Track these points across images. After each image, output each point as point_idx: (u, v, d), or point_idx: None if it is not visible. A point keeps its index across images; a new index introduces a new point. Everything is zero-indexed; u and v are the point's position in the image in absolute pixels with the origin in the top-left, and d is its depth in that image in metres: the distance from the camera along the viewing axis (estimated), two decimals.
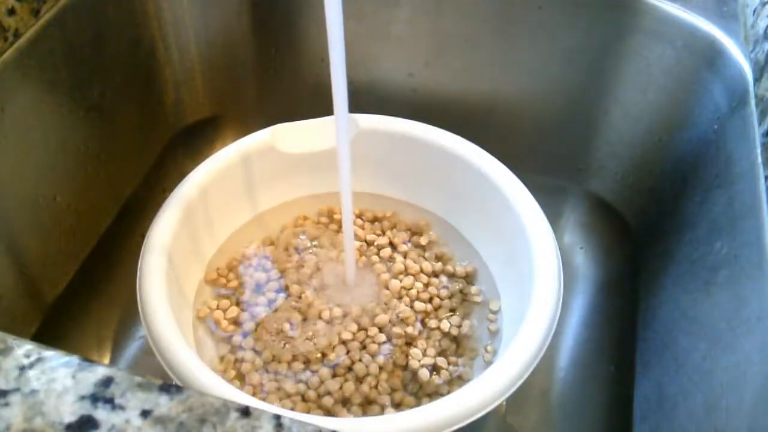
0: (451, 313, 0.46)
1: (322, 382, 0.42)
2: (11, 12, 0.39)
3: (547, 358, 0.38)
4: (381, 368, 0.42)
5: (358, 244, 0.49)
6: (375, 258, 0.48)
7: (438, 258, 0.49)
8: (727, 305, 0.35)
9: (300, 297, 0.45)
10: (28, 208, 0.43)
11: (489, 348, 0.44)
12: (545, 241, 0.41)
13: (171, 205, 0.43)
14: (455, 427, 0.34)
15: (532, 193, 0.44)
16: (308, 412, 0.40)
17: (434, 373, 0.43)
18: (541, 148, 0.56)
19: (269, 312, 0.45)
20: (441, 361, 0.43)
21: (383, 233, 0.50)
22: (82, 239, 0.49)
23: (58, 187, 0.46)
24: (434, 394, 0.42)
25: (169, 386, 0.22)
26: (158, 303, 0.38)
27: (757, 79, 0.40)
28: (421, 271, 0.48)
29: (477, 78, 0.54)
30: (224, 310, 0.45)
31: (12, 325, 0.43)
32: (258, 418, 0.21)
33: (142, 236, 0.41)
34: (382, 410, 0.41)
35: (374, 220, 0.51)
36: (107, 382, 0.22)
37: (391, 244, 0.49)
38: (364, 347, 0.43)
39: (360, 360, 0.43)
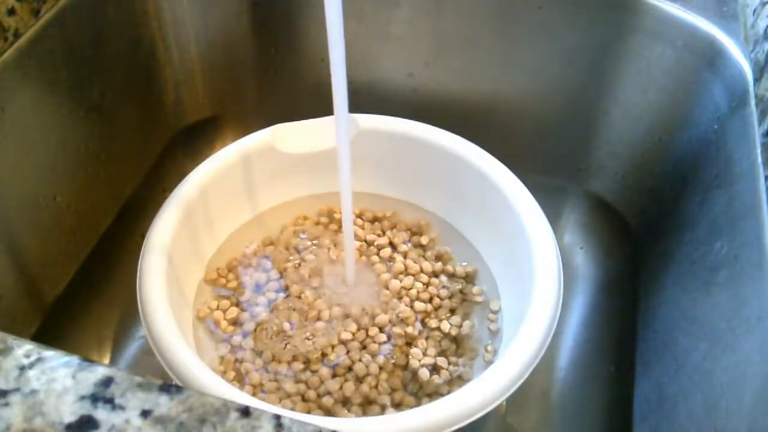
0: (451, 313, 0.46)
1: (322, 382, 0.42)
2: (11, 12, 0.39)
3: (547, 358, 0.38)
4: (381, 368, 0.42)
5: (358, 244, 0.49)
6: (375, 258, 0.48)
7: (438, 258, 0.49)
8: (727, 305, 0.35)
9: (300, 297, 0.45)
10: (28, 208, 0.43)
11: (489, 348, 0.44)
12: (545, 241, 0.41)
13: (171, 205, 0.43)
14: (455, 427, 0.34)
15: (532, 193, 0.44)
16: (308, 412, 0.40)
17: (434, 373, 0.43)
18: (541, 148, 0.56)
19: (269, 312, 0.45)
20: (441, 361, 0.43)
21: (383, 233, 0.50)
22: (82, 239, 0.49)
23: (58, 187, 0.46)
24: (434, 394, 0.42)
25: (169, 386, 0.22)
26: (158, 303, 0.38)
27: (757, 79, 0.40)
28: (421, 271, 0.48)
29: (477, 78, 0.54)
30: (224, 311, 0.45)
31: (12, 325, 0.43)
32: (258, 418, 0.21)
33: (142, 236, 0.41)
34: (382, 410, 0.41)
35: (374, 220, 0.51)
36: (107, 382, 0.22)
37: (391, 244, 0.49)
38: (364, 347, 0.43)
39: (360, 360, 0.43)
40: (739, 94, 0.41)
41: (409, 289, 0.46)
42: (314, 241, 0.49)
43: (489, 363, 0.43)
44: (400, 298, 0.46)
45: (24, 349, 0.23)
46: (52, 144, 0.44)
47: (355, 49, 0.49)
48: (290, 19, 0.55)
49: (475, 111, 0.55)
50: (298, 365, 0.42)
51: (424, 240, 0.49)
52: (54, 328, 0.46)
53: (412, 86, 0.55)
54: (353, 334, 0.44)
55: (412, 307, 0.45)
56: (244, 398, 0.34)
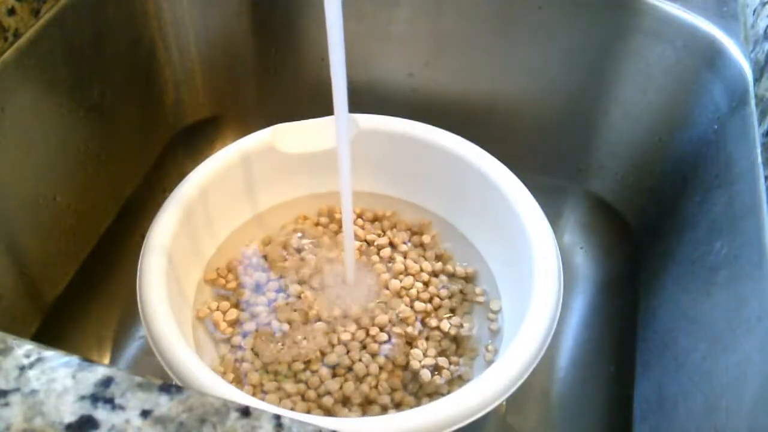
0: (452, 313, 0.46)
1: (322, 382, 0.42)
2: (11, 12, 0.39)
3: (547, 358, 0.38)
4: (381, 368, 0.42)
5: (358, 243, 0.49)
6: (375, 258, 0.48)
7: (438, 258, 0.49)
8: (727, 305, 0.35)
9: (300, 297, 0.45)
10: (28, 208, 0.43)
11: (489, 348, 0.44)
12: (545, 241, 0.41)
13: (171, 205, 0.43)
14: (455, 427, 0.34)
15: (532, 193, 0.44)
16: (308, 412, 0.40)
17: (435, 373, 0.43)
18: (541, 148, 0.56)
19: (269, 312, 0.45)
20: (442, 361, 0.43)
21: (383, 233, 0.50)
22: (82, 239, 0.49)
23: (58, 187, 0.46)
24: (434, 394, 0.42)
25: (169, 386, 0.22)
26: (158, 303, 0.38)
27: (757, 79, 0.40)
28: (422, 270, 0.48)
29: (477, 78, 0.54)
30: (224, 312, 0.45)
31: (12, 325, 0.43)
32: (258, 418, 0.21)
33: (142, 236, 0.41)
34: (382, 410, 0.41)
35: (374, 219, 0.51)
36: (107, 382, 0.22)
37: (391, 244, 0.49)
38: (364, 347, 0.43)
39: (360, 360, 0.43)
40: (739, 94, 0.41)
41: (409, 289, 0.46)
42: (314, 241, 0.49)
43: (489, 363, 0.43)
44: (400, 298, 0.46)
45: (24, 349, 0.23)
46: (52, 144, 0.44)
47: (355, 49, 0.49)
48: (290, 19, 0.55)
49: (475, 111, 0.55)
50: (298, 365, 0.42)
51: (424, 240, 0.49)
52: (54, 328, 0.46)
53: (412, 86, 0.55)
54: (353, 334, 0.44)
55: (412, 307, 0.45)
56: (244, 398, 0.34)
